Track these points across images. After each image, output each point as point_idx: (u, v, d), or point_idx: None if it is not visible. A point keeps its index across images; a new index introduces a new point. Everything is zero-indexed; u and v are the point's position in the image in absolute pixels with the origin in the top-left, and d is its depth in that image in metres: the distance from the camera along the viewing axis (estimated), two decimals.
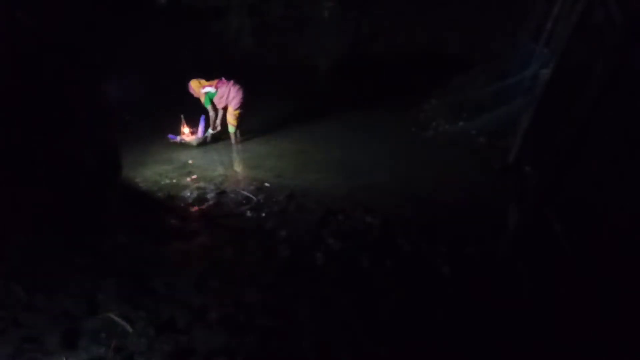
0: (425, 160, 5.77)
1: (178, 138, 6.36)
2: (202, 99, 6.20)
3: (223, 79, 6.14)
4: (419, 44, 9.71)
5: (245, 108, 6.20)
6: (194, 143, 6.32)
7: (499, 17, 8.52)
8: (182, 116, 6.35)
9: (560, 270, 2.81)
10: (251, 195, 4.57)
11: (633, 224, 2.89)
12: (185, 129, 6.38)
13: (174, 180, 5.07)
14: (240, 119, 6.28)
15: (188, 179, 5.11)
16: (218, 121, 6.42)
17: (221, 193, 4.66)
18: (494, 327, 2.68)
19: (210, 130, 6.42)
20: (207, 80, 6.17)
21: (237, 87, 6.07)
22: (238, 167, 5.75)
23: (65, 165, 3.61)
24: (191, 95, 6.25)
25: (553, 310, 2.63)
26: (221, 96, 6.11)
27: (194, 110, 6.41)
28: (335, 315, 2.82)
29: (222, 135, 6.50)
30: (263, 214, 4.17)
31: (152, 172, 5.31)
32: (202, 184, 4.92)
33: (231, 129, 6.29)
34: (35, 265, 3.19)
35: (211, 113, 6.34)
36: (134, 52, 8.81)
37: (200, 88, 6.14)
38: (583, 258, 2.75)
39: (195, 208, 4.41)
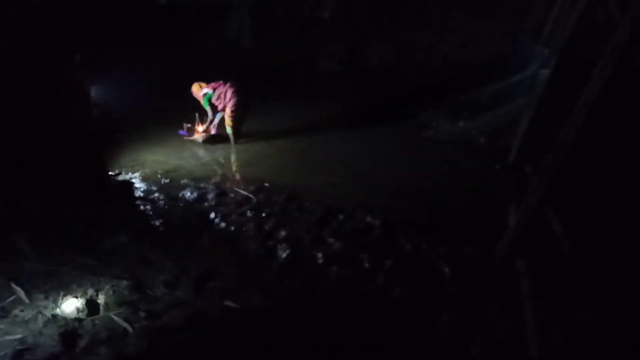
0: (425, 160, 5.77)
1: (195, 136, 6.45)
2: (202, 101, 6.34)
3: (221, 81, 6.22)
4: (419, 44, 9.71)
5: (243, 109, 6.22)
6: (200, 140, 6.39)
7: (499, 17, 8.52)
8: (197, 114, 6.43)
9: (560, 269, 2.80)
10: (251, 195, 4.57)
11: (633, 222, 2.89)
12: (200, 128, 6.47)
13: (174, 180, 5.06)
14: (239, 121, 6.30)
15: (188, 179, 5.11)
16: (216, 121, 6.47)
17: (221, 193, 4.66)
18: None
19: (216, 119, 6.50)
20: (207, 83, 6.30)
21: (234, 89, 6.11)
22: (238, 167, 5.74)
23: (65, 163, 3.63)
24: (193, 97, 6.39)
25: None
26: (218, 97, 6.19)
27: (193, 111, 6.45)
28: (334, 316, 2.82)
29: (222, 136, 6.52)
30: (263, 214, 4.17)
31: (152, 172, 5.30)
32: (202, 184, 4.92)
33: (228, 129, 6.32)
34: (35, 265, 3.19)
35: (210, 115, 6.39)
36: (133, 52, 8.83)
37: (200, 91, 6.29)
38: (583, 257, 2.75)
39: (196, 208, 4.41)
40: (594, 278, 2.71)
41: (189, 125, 6.45)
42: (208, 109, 6.34)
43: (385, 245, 3.58)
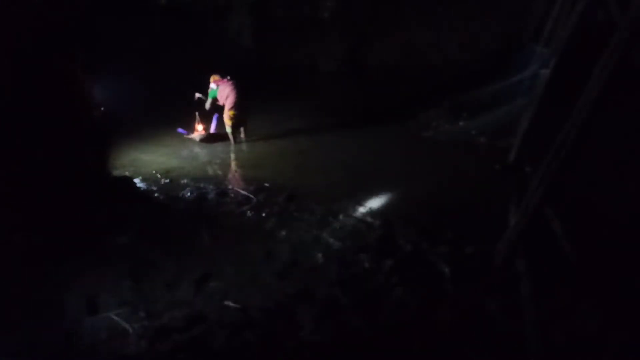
0: (425, 160, 5.77)
1: (193, 134, 6.49)
2: (209, 91, 6.44)
3: (226, 79, 6.27)
4: (419, 44, 9.71)
5: (240, 110, 6.23)
6: (197, 139, 6.40)
7: (499, 17, 8.51)
8: (197, 113, 6.44)
9: (560, 269, 2.80)
10: (251, 195, 4.57)
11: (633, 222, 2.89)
12: (199, 126, 6.49)
13: (174, 181, 5.06)
14: (238, 120, 6.31)
15: (188, 179, 5.11)
16: (215, 121, 6.51)
17: (221, 193, 4.66)
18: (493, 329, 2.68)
19: (215, 119, 6.58)
20: (221, 77, 6.37)
21: (232, 87, 6.15)
22: (238, 167, 5.74)
23: (65, 163, 3.63)
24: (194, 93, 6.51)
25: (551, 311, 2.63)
26: (220, 93, 6.25)
27: (190, 112, 6.48)
28: (334, 316, 2.82)
29: (221, 135, 6.52)
30: (263, 214, 4.17)
31: (152, 172, 5.30)
32: (202, 184, 4.92)
33: (227, 129, 6.34)
34: (35, 266, 3.19)
35: (207, 106, 6.43)
36: (133, 51, 8.82)
37: (212, 82, 6.40)
38: (583, 257, 2.75)
39: (195, 208, 4.40)
40: (594, 278, 2.71)
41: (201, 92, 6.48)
42: (209, 101, 6.41)
43: (385, 245, 3.58)
